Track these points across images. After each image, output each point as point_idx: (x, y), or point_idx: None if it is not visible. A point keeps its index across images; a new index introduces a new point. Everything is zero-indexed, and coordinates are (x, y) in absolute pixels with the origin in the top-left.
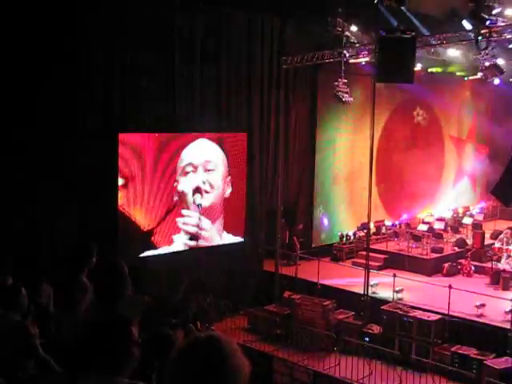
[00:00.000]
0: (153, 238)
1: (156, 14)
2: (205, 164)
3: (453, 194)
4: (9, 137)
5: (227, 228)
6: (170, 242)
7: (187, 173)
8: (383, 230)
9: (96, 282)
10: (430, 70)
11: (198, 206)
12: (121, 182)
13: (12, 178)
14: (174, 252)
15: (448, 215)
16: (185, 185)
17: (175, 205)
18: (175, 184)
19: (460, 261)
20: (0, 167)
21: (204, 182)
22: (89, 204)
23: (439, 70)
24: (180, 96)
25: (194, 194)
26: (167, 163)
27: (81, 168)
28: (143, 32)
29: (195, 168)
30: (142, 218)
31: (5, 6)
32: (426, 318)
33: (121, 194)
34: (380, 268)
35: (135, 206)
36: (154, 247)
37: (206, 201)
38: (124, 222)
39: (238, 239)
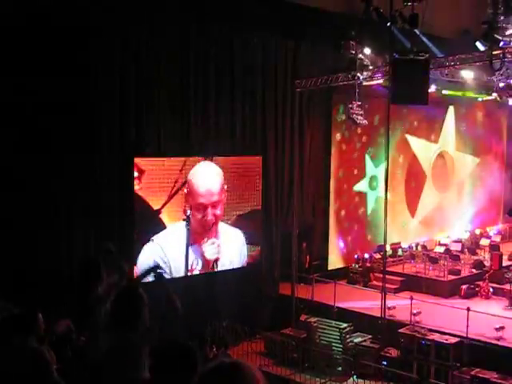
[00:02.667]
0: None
1: (171, 40)
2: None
3: (469, 215)
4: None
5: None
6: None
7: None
8: (399, 252)
9: (115, 309)
10: (443, 92)
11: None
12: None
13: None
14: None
15: (465, 237)
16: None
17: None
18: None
19: (478, 283)
20: (20, 190)
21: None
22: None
23: (453, 92)
24: (195, 121)
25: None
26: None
27: (96, 193)
28: (158, 58)
29: (205, 208)
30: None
31: (19, 30)
32: (445, 341)
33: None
34: (397, 290)
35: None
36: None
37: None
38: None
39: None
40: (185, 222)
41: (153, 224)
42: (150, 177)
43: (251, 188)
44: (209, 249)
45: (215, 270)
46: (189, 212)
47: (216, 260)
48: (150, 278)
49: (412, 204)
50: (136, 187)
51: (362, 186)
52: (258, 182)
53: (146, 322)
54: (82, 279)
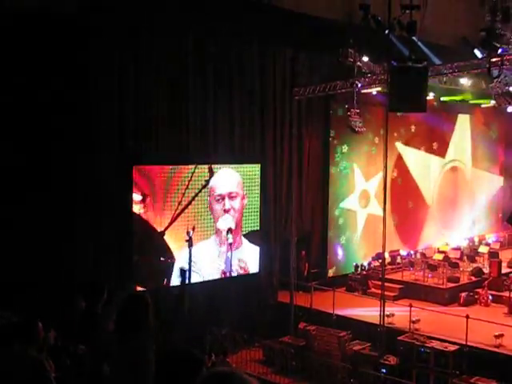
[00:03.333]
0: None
1: (170, 50)
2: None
3: (468, 222)
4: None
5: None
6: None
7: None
8: (398, 260)
9: (120, 314)
10: (442, 98)
11: (229, 244)
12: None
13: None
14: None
15: (464, 244)
16: (220, 223)
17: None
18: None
19: (477, 290)
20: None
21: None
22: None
23: (452, 98)
24: (194, 129)
25: (227, 233)
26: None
27: (95, 200)
28: (157, 67)
29: (222, 198)
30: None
31: (23, 44)
32: (444, 349)
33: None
34: (396, 298)
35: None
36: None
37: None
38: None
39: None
40: (187, 243)
41: (156, 245)
42: (153, 200)
43: (250, 196)
44: (222, 222)
45: (228, 240)
46: (191, 233)
47: (229, 230)
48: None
49: (408, 237)
50: (141, 210)
51: (351, 202)
52: (256, 189)
53: (151, 325)
54: (88, 294)
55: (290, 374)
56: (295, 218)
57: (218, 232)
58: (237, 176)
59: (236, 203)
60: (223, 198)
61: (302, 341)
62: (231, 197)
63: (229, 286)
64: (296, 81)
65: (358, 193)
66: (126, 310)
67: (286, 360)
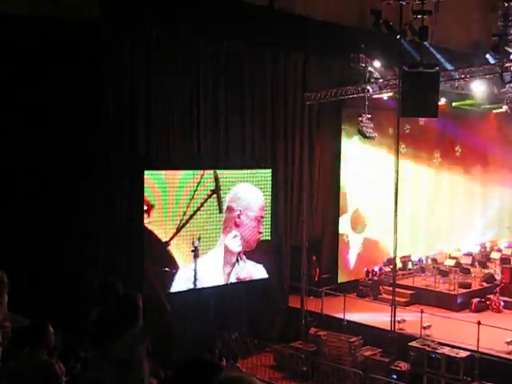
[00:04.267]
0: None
1: (181, 54)
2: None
3: (480, 228)
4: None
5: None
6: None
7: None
8: (409, 266)
9: (111, 312)
10: (454, 104)
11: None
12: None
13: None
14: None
15: (475, 250)
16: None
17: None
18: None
19: (489, 296)
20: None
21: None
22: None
23: (464, 102)
24: (205, 134)
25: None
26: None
27: (107, 205)
28: (168, 72)
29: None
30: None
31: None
32: (455, 355)
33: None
34: (407, 304)
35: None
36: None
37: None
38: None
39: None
40: (192, 254)
41: (162, 256)
42: (159, 210)
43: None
44: (231, 241)
45: (238, 263)
46: (197, 243)
47: (240, 253)
48: None
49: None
50: (145, 221)
51: (342, 225)
52: (267, 194)
53: (141, 324)
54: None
55: (300, 379)
56: (306, 223)
57: (226, 249)
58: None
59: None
60: (255, 219)
61: (312, 346)
62: (258, 220)
63: (239, 290)
64: (307, 86)
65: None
66: (115, 310)
67: (296, 365)
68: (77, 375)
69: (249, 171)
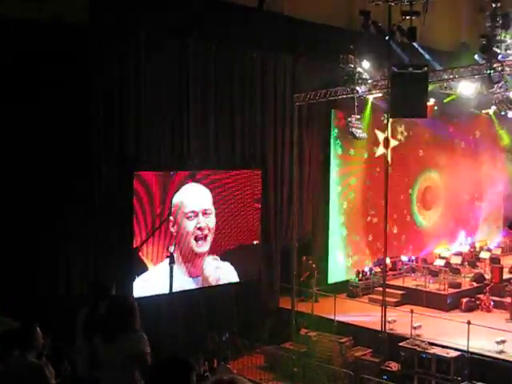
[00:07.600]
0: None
1: (170, 55)
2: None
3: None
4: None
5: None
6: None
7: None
8: (399, 266)
9: (106, 316)
10: (445, 100)
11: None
12: None
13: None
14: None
15: (465, 250)
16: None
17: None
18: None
19: (478, 296)
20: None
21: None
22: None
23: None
24: (194, 134)
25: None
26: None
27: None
28: (158, 73)
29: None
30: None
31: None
32: (445, 355)
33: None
34: (397, 304)
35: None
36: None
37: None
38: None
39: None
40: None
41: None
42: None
43: (250, 201)
44: (209, 266)
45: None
46: (172, 248)
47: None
48: None
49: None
50: None
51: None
52: (257, 195)
53: (138, 326)
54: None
55: (291, 380)
56: (296, 224)
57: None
58: (208, 192)
59: (211, 221)
60: (196, 215)
61: (303, 347)
62: (206, 214)
63: (230, 291)
64: (296, 87)
65: None
66: (111, 311)
67: (287, 366)
68: (66, 377)
69: (238, 171)
